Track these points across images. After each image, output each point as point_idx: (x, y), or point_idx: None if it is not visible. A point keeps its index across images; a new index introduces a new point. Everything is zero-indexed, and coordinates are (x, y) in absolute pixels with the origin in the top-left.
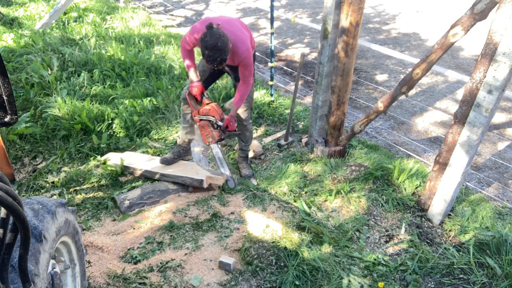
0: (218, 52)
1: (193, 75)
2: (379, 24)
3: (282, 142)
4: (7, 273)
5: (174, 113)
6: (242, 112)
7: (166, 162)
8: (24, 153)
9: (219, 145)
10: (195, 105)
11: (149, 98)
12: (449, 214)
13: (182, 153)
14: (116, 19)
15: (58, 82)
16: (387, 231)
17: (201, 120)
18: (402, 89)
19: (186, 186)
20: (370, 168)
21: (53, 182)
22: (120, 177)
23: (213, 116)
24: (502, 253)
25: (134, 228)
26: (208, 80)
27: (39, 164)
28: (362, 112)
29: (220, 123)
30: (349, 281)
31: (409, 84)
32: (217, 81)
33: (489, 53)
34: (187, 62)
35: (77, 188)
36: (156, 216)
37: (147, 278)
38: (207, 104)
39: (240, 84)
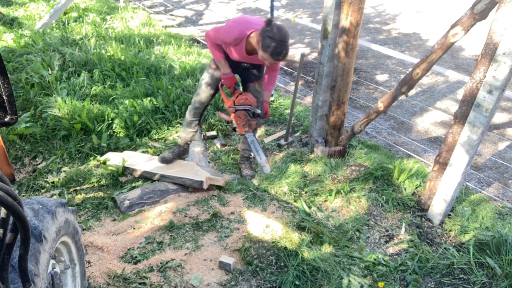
0: (285, 45)
1: (225, 67)
2: (379, 24)
3: (282, 142)
4: (7, 273)
5: (174, 113)
6: None
7: (166, 162)
8: (24, 153)
9: (255, 133)
10: (227, 96)
11: (149, 98)
12: (449, 214)
13: (181, 153)
14: (116, 19)
15: (58, 82)
16: (387, 231)
17: (237, 110)
18: (402, 89)
19: (186, 186)
20: (370, 168)
21: (53, 182)
22: (120, 177)
23: (249, 105)
24: (502, 253)
25: (134, 228)
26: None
27: (39, 164)
28: (362, 112)
29: (258, 111)
30: (349, 281)
31: (409, 84)
32: None
33: (489, 53)
34: (217, 53)
35: (77, 188)
36: (156, 216)
37: (147, 278)
38: (240, 94)
39: (269, 72)
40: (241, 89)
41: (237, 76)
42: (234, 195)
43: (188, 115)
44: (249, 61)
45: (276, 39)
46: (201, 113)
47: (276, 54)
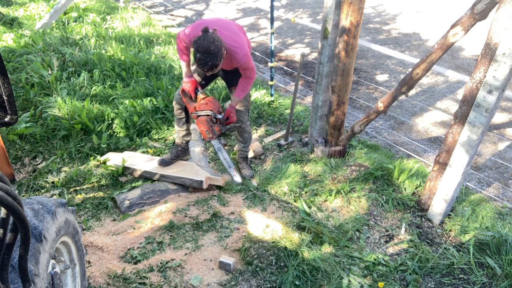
0: (210, 57)
1: (187, 70)
2: (379, 24)
3: (282, 142)
4: (7, 273)
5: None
6: (239, 114)
7: (164, 164)
8: (24, 153)
9: (220, 140)
10: (190, 102)
11: (149, 98)
12: (449, 214)
13: (181, 153)
14: (116, 19)
15: (58, 82)
16: (387, 231)
17: (198, 116)
18: (402, 89)
19: (186, 186)
20: (370, 168)
21: (53, 182)
22: (120, 177)
23: (210, 110)
24: (502, 253)
25: (134, 228)
26: (204, 80)
27: (39, 164)
28: (362, 112)
29: (219, 116)
30: (349, 281)
31: (409, 84)
32: (217, 81)
33: (489, 53)
34: (181, 56)
35: (77, 188)
36: (156, 216)
37: (147, 278)
38: (203, 98)
39: (242, 78)
40: (202, 94)
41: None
42: (234, 195)
43: (174, 113)
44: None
45: (199, 50)
46: (186, 111)
47: (201, 66)
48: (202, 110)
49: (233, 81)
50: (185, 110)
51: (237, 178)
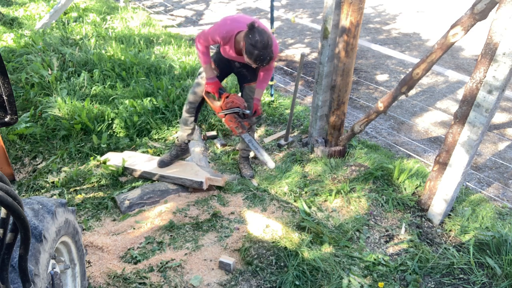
0: (268, 51)
1: (210, 72)
2: (379, 24)
3: (282, 142)
4: (7, 273)
5: (174, 113)
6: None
7: (164, 165)
8: (24, 153)
9: (250, 132)
10: (214, 102)
11: (149, 98)
12: (449, 214)
13: (180, 153)
14: (116, 19)
15: (58, 82)
16: (387, 231)
17: (226, 114)
18: (402, 89)
19: (186, 186)
20: (370, 168)
21: (53, 182)
22: (120, 177)
23: (237, 107)
24: (502, 253)
25: (134, 228)
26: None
27: (39, 164)
28: (362, 112)
29: (247, 112)
30: (349, 281)
31: (409, 84)
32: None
33: (489, 53)
34: (204, 58)
35: (77, 188)
36: (156, 216)
37: (147, 278)
38: (227, 97)
39: (262, 70)
40: (224, 93)
41: (233, 76)
42: (234, 195)
43: (184, 112)
44: (240, 60)
45: (258, 47)
46: (197, 110)
47: (259, 61)
48: (228, 109)
49: (247, 77)
50: (196, 110)
51: (270, 164)
